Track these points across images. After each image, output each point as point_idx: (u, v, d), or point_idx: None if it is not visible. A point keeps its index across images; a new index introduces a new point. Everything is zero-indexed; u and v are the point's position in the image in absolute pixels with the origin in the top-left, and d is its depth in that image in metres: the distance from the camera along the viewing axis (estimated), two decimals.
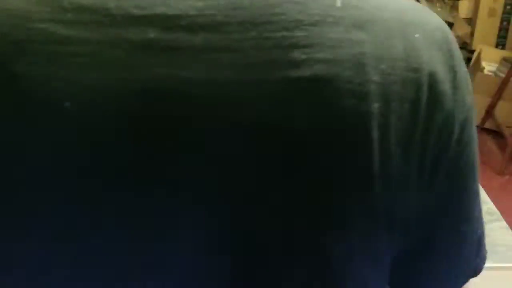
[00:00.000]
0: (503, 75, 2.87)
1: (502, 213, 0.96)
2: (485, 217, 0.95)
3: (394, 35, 0.41)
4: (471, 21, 3.40)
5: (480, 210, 0.54)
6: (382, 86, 0.40)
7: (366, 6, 0.42)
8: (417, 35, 0.43)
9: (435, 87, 0.43)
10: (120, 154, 0.39)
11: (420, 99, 0.42)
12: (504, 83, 2.83)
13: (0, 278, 0.43)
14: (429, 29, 0.44)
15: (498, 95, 2.85)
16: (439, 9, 3.33)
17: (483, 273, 0.85)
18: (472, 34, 3.37)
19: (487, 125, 2.95)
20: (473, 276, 0.56)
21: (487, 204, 0.98)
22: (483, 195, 1.00)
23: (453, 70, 0.46)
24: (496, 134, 2.88)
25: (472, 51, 3.29)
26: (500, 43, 3.30)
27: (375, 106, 0.40)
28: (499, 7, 3.25)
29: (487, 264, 0.84)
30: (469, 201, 0.52)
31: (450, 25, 3.37)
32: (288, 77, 0.39)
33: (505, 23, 3.26)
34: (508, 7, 3.23)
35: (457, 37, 3.43)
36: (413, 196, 0.45)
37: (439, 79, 0.44)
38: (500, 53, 3.11)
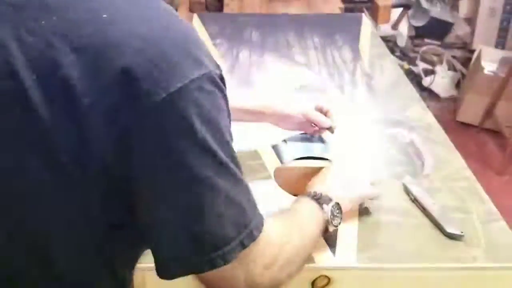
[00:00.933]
0: (503, 75, 2.87)
1: (502, 213, 0.96)
2: (485, 217, 0.95)
3: None
4: (471, 21, 3.39)
5: (203, 209, 0.57)
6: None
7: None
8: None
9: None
10: None
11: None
12: (504, 83, 2.82)
13: None
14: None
15: (498, 95, 2.84)
16: (439, 9, 3.32)
17: (483, 273, 0.85)
18: (472, 34, 3.37)
19: (487, 125, 2.95)
20: (196, 272, 0.60)
21: (487, 204, 0.98)
22: (483, 195, 1.00)
23: None
24: (496, 134, 2.88)
25: (472, 51, 3.29)
26: (500, 43, 3.29)
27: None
28: (499, 7, 3.25)
29: (487, 264, 0.84)
30: (172, 192, 0.57)
31: (450, 25, 3.36)
32: None
33: (505, 23, 3.26)
34: (508, 7, 3.23)
35: (457, 37, 3.42)
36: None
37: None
38: (500, 53, 3.10)
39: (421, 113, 1.28)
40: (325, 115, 1.10)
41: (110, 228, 0.60)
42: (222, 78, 0.59)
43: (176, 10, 2.76)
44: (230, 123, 0.62)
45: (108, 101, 0.53)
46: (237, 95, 1.07)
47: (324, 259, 0.84)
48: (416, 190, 0.98)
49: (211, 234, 0.58)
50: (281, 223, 0.72)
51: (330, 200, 0.82)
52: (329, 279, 0.83)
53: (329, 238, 0.88)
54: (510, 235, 0.90)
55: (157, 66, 0.54)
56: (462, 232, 0.88)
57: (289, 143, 1.14)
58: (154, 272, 0.76)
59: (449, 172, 1.06)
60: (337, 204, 0.83)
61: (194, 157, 0.56)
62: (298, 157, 1.09)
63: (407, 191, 0.99)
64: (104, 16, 0.55)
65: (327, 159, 1.09)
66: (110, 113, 0.53)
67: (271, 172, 1.05)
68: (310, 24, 1.82)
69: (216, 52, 1.58)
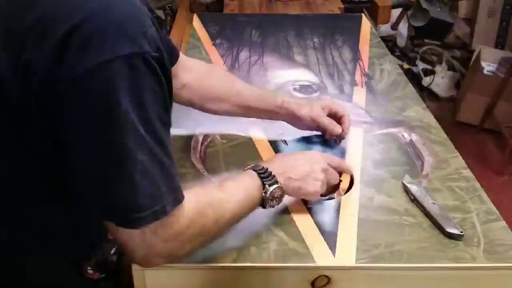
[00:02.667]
0: (502, 75, 2.87)
1: (502, 213, 0.96)
2: (485, 217, 0.95)
3: None
4: (470, 21, 3.40)
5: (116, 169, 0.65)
6: None
7: None
8: None
9: None
10: None
11: None
12: (503, 83, 2.82)
13: None
14: None
15: (497, 95, 2.85)
16: (438, 9, 3.32)
17: (483, 272, 0.85)
18: (471, 34, 3.37)
19: (487, 125, 2.95)
20: (126, 225, 0.67)
21: (486, 204, 0.98)
22: (483, 195, 1.00)
23: None
24: (496, 134, 2.88)
25: (472, 51, 3.29)
26: (500, 43, 3.29)
27: None
28: (499, 7, 3.25)
29: (487, 264, 0.85)
30: (92, 154, 0.64)
31: (450, 25, 3.36)
32: None
33: (504, 23, 3.26)
34: (508, 7, 3.23)
35: (457, 37, 3.43)
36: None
37: None
38: (499, 53, 3.10)
39: (420, 113, 1.29)
40: (339, 120, 1.11)
41: (47, 152, 0.68)
42: (160, 61, 0.65)
43: (176, 9, 2.77)
44: (166, 106, 0.68)
45: (43, 64, 0.61)
46: (254, 93, 1.13)
47: (324, 259, 0.84)
48: (415, 190, 0.98)
49: (124, 198, 0.65)
50: (200, 199, 0.76)
51: (276, 182, 0.85)
52: (329, 279, 0.83)
53: (329, 238, 0.88)
54: (510, 235, 0.90)
55: (91, 39, 0.61)
56: (461, 232, 0.88)
57: (289, 143, 1.14)
58: (155, 272, 0.76)
59: (448, 172, 1.06)
60: (281, 188, 0.86)
61: (114, 126, 0.62)
62: None
63: (407, 191, 0.99)
64: None
65: None
66: (45, 74, 0.62)
67: None
68: (310, 24, 1.81)
69: (216, 52, 1.58)
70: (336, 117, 1.12)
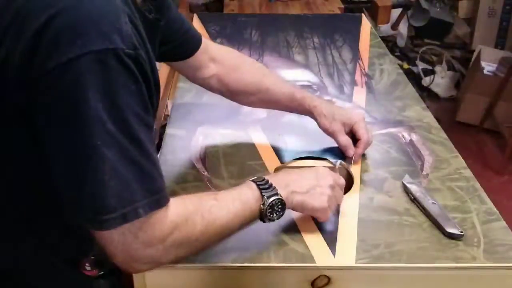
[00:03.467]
0: (502, 75, 2.87)
1: (501, 213, 0.96)
2: (485, 217, 0.95)
3: None
4: (470, 21, 3.40)
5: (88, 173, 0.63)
6: None
7: None
8: None
9: None
10: None
11: None
12: (503, 83, 2.82)
13: None
14: None
15: (497, 95, 2.85)
16: (438, 9, 3.32)
17: (483, 272, 0.85)
18: (471, 34, 3.37)
19: (487, 125, 2.95)
20: (94, 227, 0.66)
21: (486, 204, 0.98)
22: (483, 195, 1.00)
23: None
24: (496, 134, 2.88)
25: (472, 51, 3.29)
26: (500, 43, 3.29)
27: None
28: (499, 7, 3.25)
29: (487, 264, 0.85)
30: (61, 152, 0.63)
31: (450, 25, 3.36)
32: None
33: (504, 23, 3.26)
34: (508, 7, 3.23)
35: (457, 37, 3.42)
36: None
37: None
38: (499, 53, 3.10)
39: (420, 113, 1.29)
40: (356, 142, 1.07)
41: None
42: (135, 59, 0.64)
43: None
44: (145, 105, 0.66)
45: (18, 61, 0.62)
46: (284, 92, 1.11)
47: (324, 259, 0.84)
48: (415, 190, 0.98)
49: (91, 199, 0.63)
50: (188, 204, 0.73)
51: (276, 194, 0.80)
52: (329, 279, 0.83)
53: (329, 238, 0.88)
54: (510, 235, 0.90)
55: (62, 34, 0.60)
56: (461, 232, 0.88)
57: (289, 144, 1.14)
58: (155, 272, 0.76)
59: (448, 172, 1.06)
60: (281, 200, 0.81)
61: (82, 124, 0.61)
62: (298, 157, 1.09)
63: (407, 191, 0.99)
64: None
65: (326, 159, 1.09)
66: (19, 71, 0.62)
67: (271, 172, 1.05)
68: (310, 24, 1.82)
69: None
70: (354, 138, 1.08)
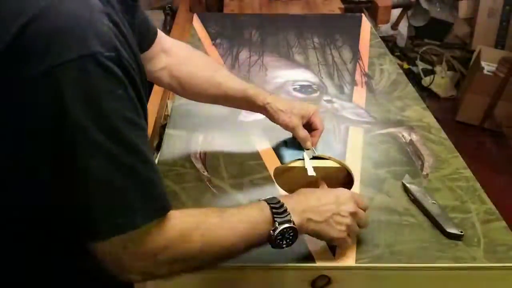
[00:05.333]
0: (502, 75, 2.87)
1: (501, 213, 0.96)
2: (485, 217, 0.95)
3: None
4: (470, 21, 3.39)
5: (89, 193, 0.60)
6: None
7: None
8: None
9: None
10: None
11: None
12: (503, 83, 2.82)
13: None
14: None
15: (497, 95, 2.85)
16: (438, 9, 3.32)
17: (483, 272, 0.85)
18: (471, 34, 3.37)
19: (487, 125, 2.95)
20: (82, 237, 0.63)
21: (486, 204, 0.98)
22: (483, 195, 1.00)
23: None
24: (496, 134, 2.88)
25: (472, 51, 3.29)
26: (500, 43, 3.29)
27: None
28: (499, 7, 3.25)
29: (487, 264, 0.85)
30: (45, 166, 0.60)
31: (450, 25, 3.36)
32: None
33: (504, 23, 3.26)
34: (508, 7, 3.23)
35: (457, 37, 3.42)
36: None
37: None
38: (499, 53, 3.10)
39: (420, 113, 1.29)
40: (312, 131, 1.09)
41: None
42: (117, 61, 0.60)
43: (176, 9, 2.77)
44: (135, 108, 0.62)
45: None
46: (236, 89, 1.07)
47: (324, 259, 0.84)
48: (415, 190, 0.98)
49: (80, 211, 0.61)
50: (187, 219, 0.69)
51: (289, 221, 0.74)
52: (329, 278, 0.83)
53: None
54: (510, 235, 0.90)
55: (35, 44, 0.56)
56: (461, 232, 0.88)
57: (289, 144, 1.14)
58: None
59: (448, 172, 1.06)
60: (294, 229, 0.75)
61: (64, 137, 0.58)
62: (298, 157, 1.09)
63: (407, 191, 0.99)
64: None
65: (327, 159, 1.10)
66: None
67: (271, 172, 1.05)
68: (310, 24, 1.82)
69: (216, 52, 1.58)
70: (311, 128, 1.09)
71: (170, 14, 2.77)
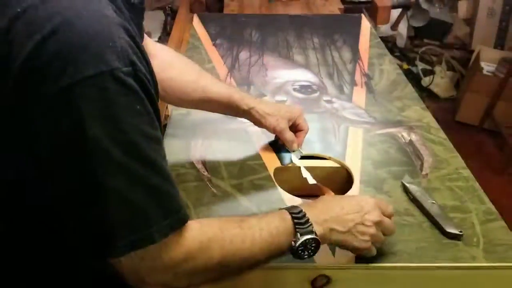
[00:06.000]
0: (502, 75, 2.87)
1: (501, 213, 0.96)
2: (484, 216, 0.95)
3: None
4: (470, 21, 3.40)
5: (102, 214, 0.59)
6: None
7: None
8: None
9: None
10: None
11: None
12: (503, 83, 2.83)
13: None
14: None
15: (497, 95, 2.85)
16: (438, 9, 3.33)
17: (483, 272, 0.85)
18: (471, 34, 3.37)
19: (486, 125, 2.96)
20: (104, 256, 0.61)
21: (486, 204, 0.98)
22: (482, 195, 1.00)
23: None
24: (495, 134, 2.88)
25: (471, 52, 3.29)
26: (499, 44, 3.29)
27: None
28: (498, 7, 3.25)
29: (486, 264, 0.85)
30: (63, 181, 0.59)
31: (449, 25, 3.37)
32: None
33: (504, 23, 3.26)
34: (507, 7, 3.23)
35: (456, 37, 3.43)
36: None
37: None
38: (499, 54, 3.10)
39: (420, 113, 1.29)
40: (297, 133, 1.09)
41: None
42: (134, 75, 0.58)
43: (176, 9, 2.77)
44: (152, 121, 0.61)
45: (8, 91, 0.57)
46: (221, 93, 1.05)
47: (323, 258, 0.84)
48: (415, 190, 0.98)
49: (98, 227, 0.60)
50: (206, 229, 0.67)
51: (311, 232, 0.73)
52: (328, 278, 0.83)
53: None
54: (509, 235, 0.90)
55: (51, 62, 0.55)
56: (461, 232, 0.89)
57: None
58: None
59: (448, 172, 1.07)
60: (316, 240, 0.73)
61: (83, 154, 0.57)
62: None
63: (407, 191, 0.99)
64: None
65: (327, 159, 1.10)
66: (10, 102, 0.57)
67: (271, 172, 1.05)
68: (310, 25, 1.82)
69: (216, 52, 1.58)
70: (296, 129, 1.10)
71: (170, 15, 2.78)
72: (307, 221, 0.73)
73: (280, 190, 1.00)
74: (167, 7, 2.86)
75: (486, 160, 2.74)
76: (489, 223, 0.93)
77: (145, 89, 0.60)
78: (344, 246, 0.79)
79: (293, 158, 1.08)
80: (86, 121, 0.56)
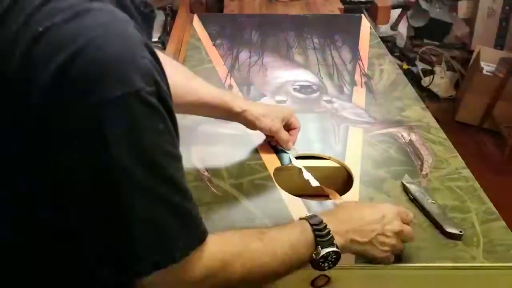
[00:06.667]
0: (501, 75, 2.88)
1: (501, 213, 0.96)
2: (484, 216, 0.95)
3: None
4: (470, 21, 3.40)
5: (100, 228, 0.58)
6: None
7: None
8: None
9: None
10: None
11: None
12: (502, 83, 2.83)
13: None
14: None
15: (496, 95, 2.85)
16: (438, 9, 3.33)
17: (482, 272, 0.85)
18: (471, 34, 3.37)
19: (486, 125, 2.96)
20: (119, 276, 0.61)
21: (486, 203, 0.98)
22: (482, 195, 1.00)
23: None
24: (495, 134, 2.89)
25: (471, 52, 3.30)
26: (499, 44, 3.29)
27: None
28: (498, 7, 3.25)
29: (486, 264, 0.85)
30: (86, 202, 0.58)
31: (449, 25, 3.37)
32: None
33: (503, 23, 3.26)
34: (507, 7, 3.23)
35: (456, 37, 3.43)
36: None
37: None
38: (498, 54, 3.11)
39: (420, 113, 1.29)
40: (290, 131, 1.10)
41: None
42: (158, 94, 0.58)
43: (176, 9, 2.77)
44: (173, 140, 0.62)
45: (33, 115, 0.55)
46: (213, 95, 1.04)
47: None
48: (415, 190, 0.98)
49: (121, 249, 0.59)
50: (227, 247, 0.66)
51: (332, 245, 0.73)
52: (328, 278, 0.83)
53: None
54: (509, 235, 0.90)
55: (75, 83, 0.54)
56: (461, 232, 0.89)
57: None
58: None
59: (448, 172, 1.07)
60: (337, 253, 0.73)
61: (106, 176, 0.56)
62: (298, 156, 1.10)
63: (406, 191, 0.99)
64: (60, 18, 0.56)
65: (327, 159, 1.10)
66: (34, 125, 0.56)
67: (271, 172, 1.05)
68: (309, 25, 1.82)
69: (216, 52, 1.58)
70: (289, 128, 1.10)
71: (170, 15, 2.78)
72: (328, 232, 0.73)
73: (280, 190, 1.00)
74: (167, 7, 2.86)
75: (486, 160, 2.74)
76: (489, 223, 0.93)
77: (167, 107, 0.60)
78: (364, 256, 0.80)
79: (291, 157, 1.08)
80: (110, 143, 0.55)
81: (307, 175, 1.03)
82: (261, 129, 1.07)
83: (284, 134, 1.08)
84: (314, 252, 0.72)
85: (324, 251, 0.72)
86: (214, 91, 1.06)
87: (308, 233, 0.73)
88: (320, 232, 0.73)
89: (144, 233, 0.58)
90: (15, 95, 0.56)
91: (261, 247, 0.69)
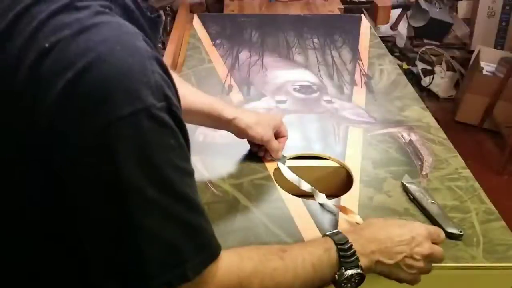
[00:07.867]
0: (501, 75, 2.88)
1: (501, 213, 0.96)
2: (484, 216, 0.95)
3: None
4: (470, 21, 3.40)
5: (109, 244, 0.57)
6: None
7: None
8: None
9: None
10: None
11: None
12: (502, 83, 2.83)
13: None
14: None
15: (496, 95, 2.85)
16: (438, 9, 3.33)
17: (482, 272, 0.85)
18: (471, 34, 3.37)
19: (486, 125, 2.96)
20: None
21: (486, 203, 0.98)
22: (482, 195, 1.00)
23: None
24: (495, 134, 2.89)
25: (471, 52, 3.30)
26: (499, 44, 3.30)
27: None
28: (498, 7, 3.25)
29: (486, 264, 0.85)
30: (96, 222, 0.57)
31: (449, 25, 3.37)
32: None
33: (503, 23, 3.27)
34: (507, 7, 3.24)
35: (456, 37, 3.43)
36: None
37: None
38: (498, 54, 3.11)
39: (420, 113, 1.29)
40: (279, 139, 1.08)
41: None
42: (168, 109, 0.57)
43: (176, 10, 2.77)
44: (185, 155, 0.60)
45: (40, 137, 0.54)
46: (202, 101, 1.02)
47: None
48: (415, 190, 0.98)
49: (132, 268, 0.57)
50: (245, 265, 0.65)
51: (356, 267, 0.70)
52: None
53: None
54: (509, 235, 0.90)
55: (84, 102, 0.52)
56: (461, 232, 0.89)
57: (289, 143, 1.14)
58: None
59: (448, 172, 1.07)
60: (362, 275, 0.71)
61: (115, 194, 0.55)
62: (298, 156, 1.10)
63: (406, 191, 0.99)
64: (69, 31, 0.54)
65: (327, 159, 1.10)
66: (42, 149, 0.55)
67: (271, 172, 1.05)
68: (309, 25, 1.82)
69: (216, 52, 1.59)
70: (278, 136, 1.08)
71: (170, 15, 2.78)
72: (354, 253, 0.71)
73: (280, 190, 1.00)
74: (167, 7, 2.86)
75: (486, 160, 2.74)
76: (489, 223, 0.93)
77: (178, 121, 0.59)
78: (389, 276, 0.77)
79: (280, 166, 1.06)
80: (121, 160, 0.53)
81: (304, 184, 1.01)
82: (252, 138, 1.04)
83: (275, 144, 1.05)
84: (338, 273, 0.70)
85: (348, 273, 0.70)
86: (203, 98, 1.03)
87: (332, 253, 0.70)
88: (344, 253, 0.70)
89: (156, 251, 0.57)
90: (19, 111, 0.54)
91: (282, 265, 0.66)
